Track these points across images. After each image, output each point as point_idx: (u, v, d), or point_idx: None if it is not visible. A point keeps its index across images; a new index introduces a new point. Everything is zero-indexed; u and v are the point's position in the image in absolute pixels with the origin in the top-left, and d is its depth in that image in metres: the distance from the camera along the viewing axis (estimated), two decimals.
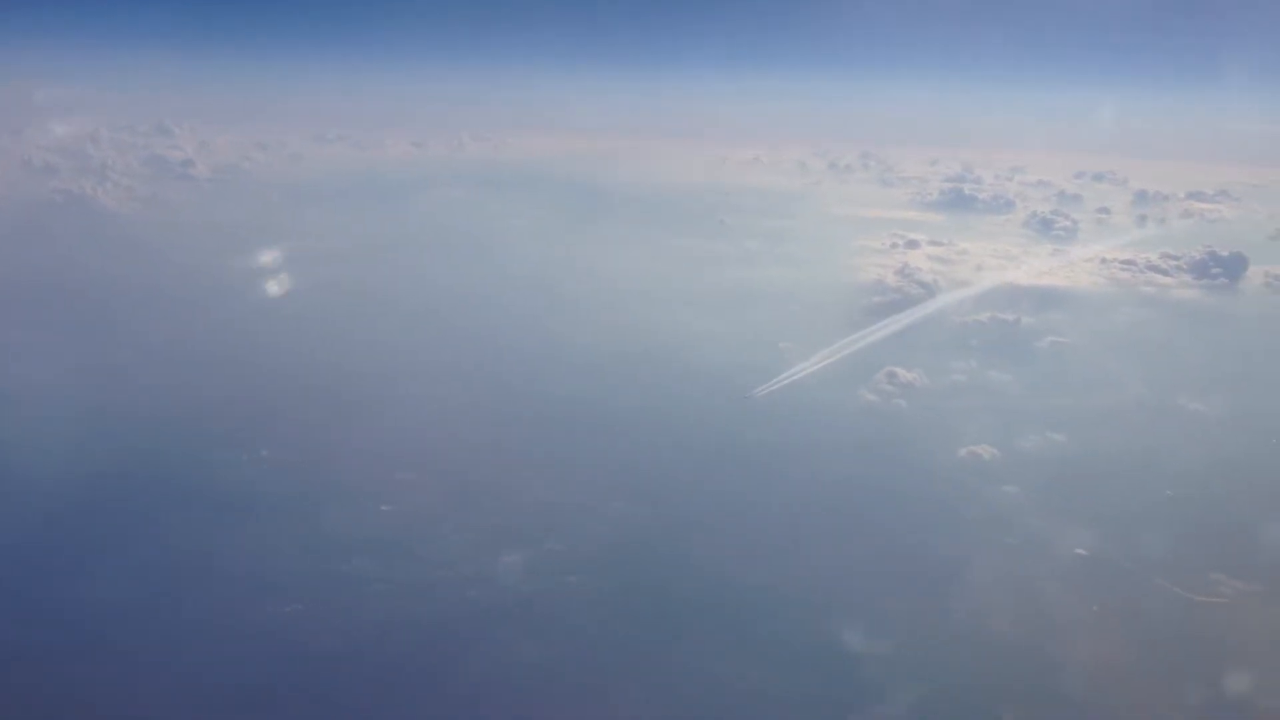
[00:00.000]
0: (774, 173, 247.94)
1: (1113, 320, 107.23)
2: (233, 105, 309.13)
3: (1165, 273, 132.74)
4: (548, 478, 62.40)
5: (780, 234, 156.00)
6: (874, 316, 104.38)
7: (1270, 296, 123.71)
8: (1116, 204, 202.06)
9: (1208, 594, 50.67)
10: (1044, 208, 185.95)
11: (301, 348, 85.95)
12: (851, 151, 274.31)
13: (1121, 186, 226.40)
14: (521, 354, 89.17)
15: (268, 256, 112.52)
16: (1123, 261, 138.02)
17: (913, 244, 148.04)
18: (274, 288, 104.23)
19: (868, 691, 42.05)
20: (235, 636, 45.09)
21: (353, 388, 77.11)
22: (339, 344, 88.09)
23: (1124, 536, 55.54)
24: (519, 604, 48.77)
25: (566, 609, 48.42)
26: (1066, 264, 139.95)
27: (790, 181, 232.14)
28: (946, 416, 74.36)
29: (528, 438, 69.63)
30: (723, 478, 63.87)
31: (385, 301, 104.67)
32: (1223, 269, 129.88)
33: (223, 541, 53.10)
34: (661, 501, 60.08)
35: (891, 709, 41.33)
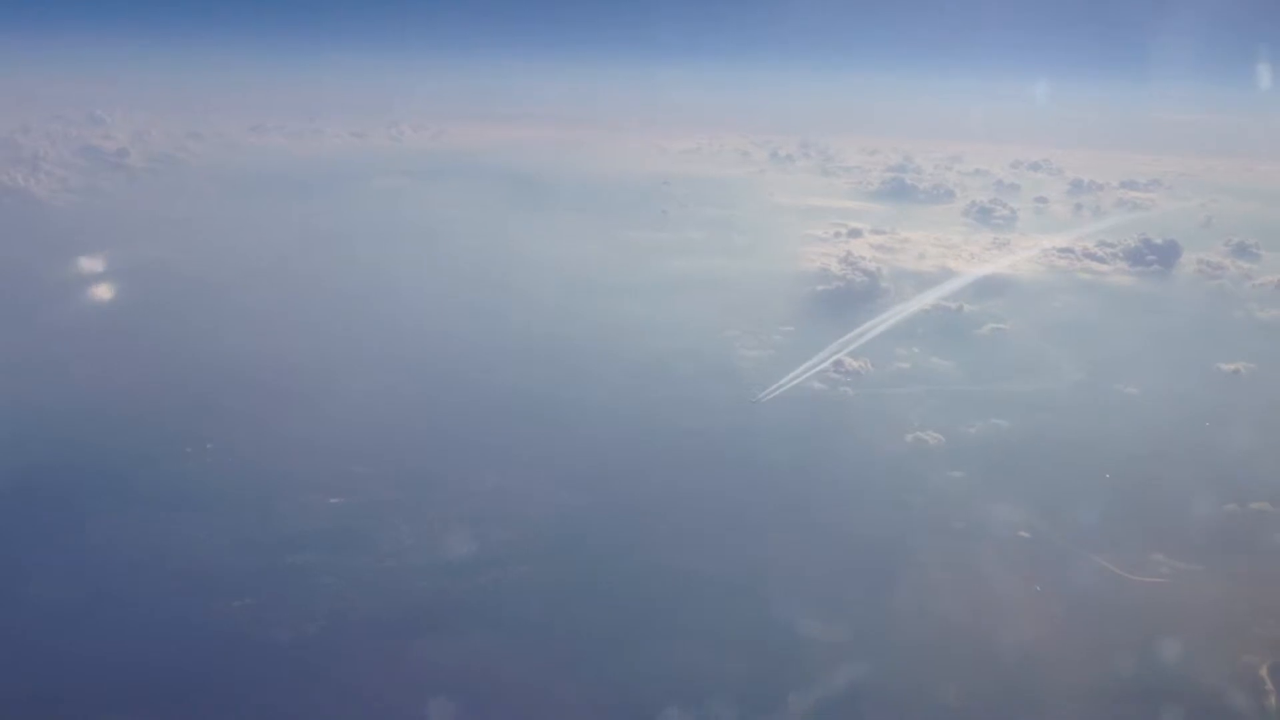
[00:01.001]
0: (715, 162, 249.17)
1: (1051, 307, 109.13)
2: (163, 95, 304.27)
3: (1102, 260, 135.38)
4: (497, 468, 62.05)
5: (723, 223, 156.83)
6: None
7: (1202, 283, 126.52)
8: (1053, 193, 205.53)
9: (1146, 574, 51.73)
10: (983, 197, 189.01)
11: (246, 340, 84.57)
12: (792, 141, 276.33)
13: (1057, 176, 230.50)
14: (466, 345, 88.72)
15: (209, 247, 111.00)
16: (1060, 249, 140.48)
17: (855, 233, 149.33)
18: (216, 279, 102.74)
19: (816, 675, 42.29)
20: (184, 632, 44.42)
21: (298, 380, 76.09)
22: (284, 336, 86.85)
23: (1065, 518, 56.59)
24: (471, 594, 48.51)
25: (518, 599, 48.20)
26: (1007, 252, 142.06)
27: (732, 171, 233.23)
28: (892, 403, 75.23)
29: (475, 428, 69.40)
30: (670, 466, 63.95)
31: (329, 293, 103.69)
32: (1157, 256, 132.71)
33: (169, 536, 52.20)
34: (610, 491, 60.07)
35: (838, 691, 41.62)
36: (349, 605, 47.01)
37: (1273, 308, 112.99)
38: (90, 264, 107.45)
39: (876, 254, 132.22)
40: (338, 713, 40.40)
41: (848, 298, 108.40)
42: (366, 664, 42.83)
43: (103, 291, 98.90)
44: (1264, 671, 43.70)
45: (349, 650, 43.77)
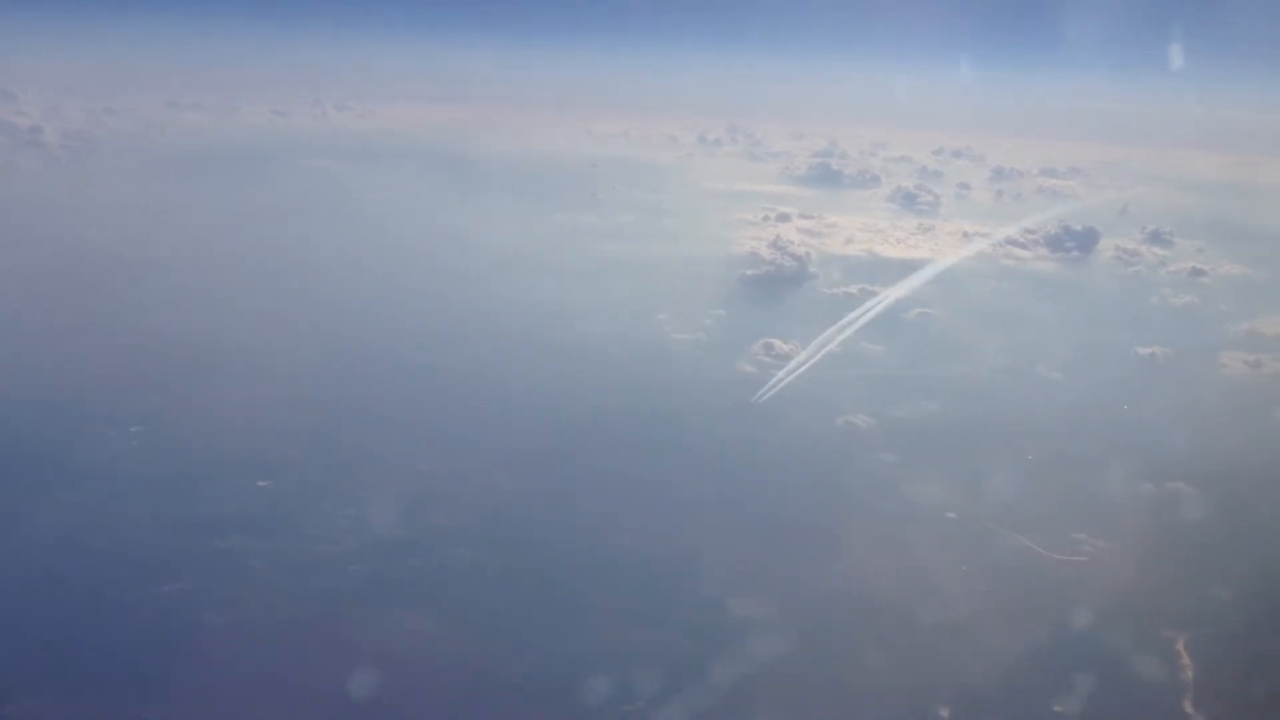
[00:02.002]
0: (643, 146, 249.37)
1: (975, 292, 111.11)
2: (74, 69, 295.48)
3: (1023, 246, 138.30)
4: (429, 451, 61.77)
5: (653, 207, 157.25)
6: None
7: (1119, 269, 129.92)
8: (975, 180, 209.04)
9: (1069, 553, 53.10)
10: (907, 183, 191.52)
11: (171, 322, 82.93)
12: (719, 126, 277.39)
13: (979, 163, 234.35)
14: (395, 326, 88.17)
15: (132, 227, 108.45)
16: (983, 235, 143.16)
17: (784, 217, 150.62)
18: (140, 259, 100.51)
19: (741, 650, 42.71)
20: (113, 617, 43.78)
21: (223, 362, 74.94)
22: (210, 318, 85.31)
23: (991, 500, 57.63)
24: (405, 577, 48.32)
25: (452, 581, 48.09)
26: (931, 237, 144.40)
27: (660, 155, 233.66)
28: (823, 386, 76.11)
29: (406, 410, 68.90)
30: (602, 448, 64.10)
31: (256, 274, 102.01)
32: (1076, 243, 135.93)
33: (94, 521, 51.11)
34: (544, 473, 60.09)
35: (767, 669, 42.12)
36: (281, 589, 46.44)
37: (1186, 293, 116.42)
38: (10, 244, 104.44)
39: (805, 238, 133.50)
40: (272, 696, 39.80)
41: (777, 282, 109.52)
42: (300, 647, 42.41)
43: (22, 272, 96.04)
44: (1180, 646, 45.09)
45: (282, 634, 43.28)
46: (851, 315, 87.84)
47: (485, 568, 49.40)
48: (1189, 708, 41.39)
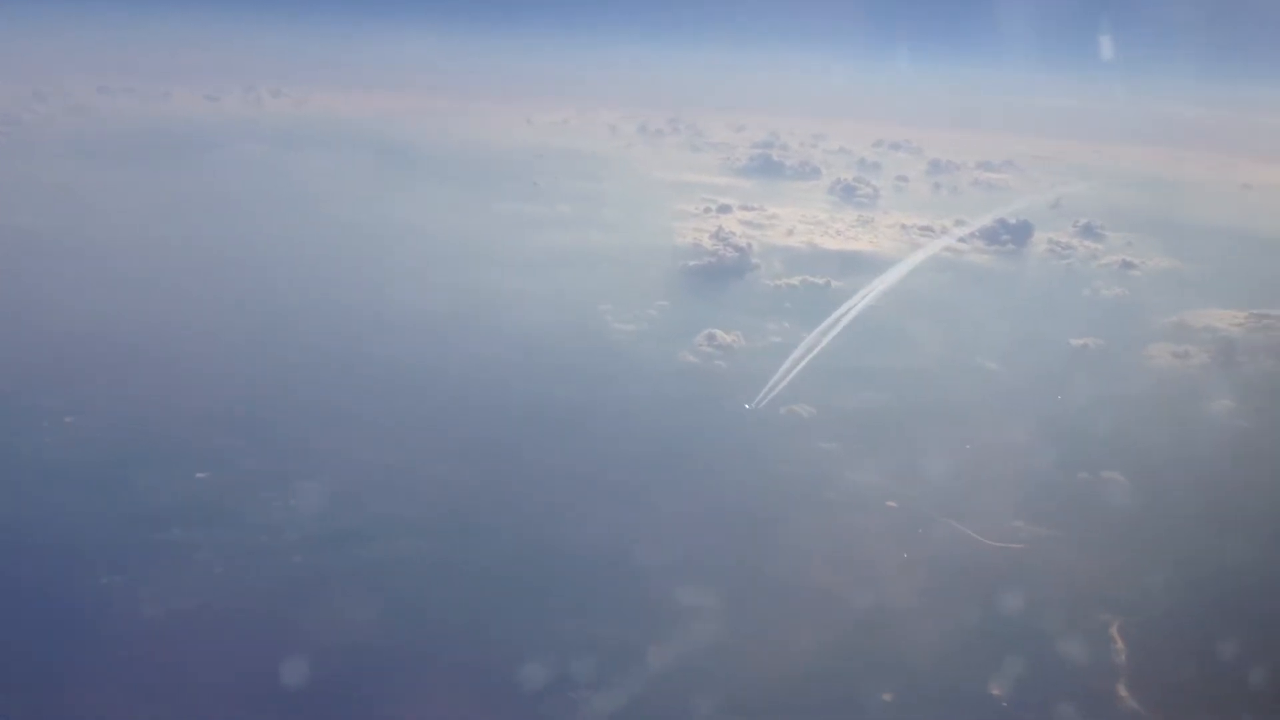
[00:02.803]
0: (584, 136, 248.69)
1: (913, 284, 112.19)
2: (2, 54, 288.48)
3: (960, 239, 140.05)
4: (370, 441, 61.50)
5: (595, 197, 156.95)
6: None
7: (1053, 261, 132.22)
8: (913, 172, 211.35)
9: (1007, 540, 54.19)
10: (847, 175, 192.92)
11: (102, 310, 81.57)
12: (660, 116, 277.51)
13: (917, 155, 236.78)
14: (335, 317, 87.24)
15: (65, 214, 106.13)
16: (921, 227, 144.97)
17: (725, 208, 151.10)
18: (74, 247, 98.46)
19: (690, 639, 43.15)
20: (52, 609, 43.10)
21: (157, 352, 74.15)
22: (145, 307, 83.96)
23: (931, 488, 58.66)
24: (348, 567, 48.08)
25: (398, 572, 47.91)
26: (870, 229, 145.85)
27: (601, 145, 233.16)
28: (766, 377, 76.59)
29: (346, 400, 68.24)
30: (546, 438, 64.20)
31: (193, 263, 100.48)
32: (1011, 236, 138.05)
33: (30, 513, 50.48)
34: (489, 463, 60.07)
35: (710, 655, 42.63)
36: (222, 580, 46.09)
37: (1116, 286, 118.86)
38: None
39: (746, 230, 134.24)
40: (213, 687, 39.52)
41: (719, 273, 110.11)
42: (241, 638, 42.14)
43: None
44: (1114, 630, 46.31)
45: (223, 625, 42.96)
46: (837, 312, 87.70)
47: (430, 557, 49.33)
48: (1123, 690, 42.49)
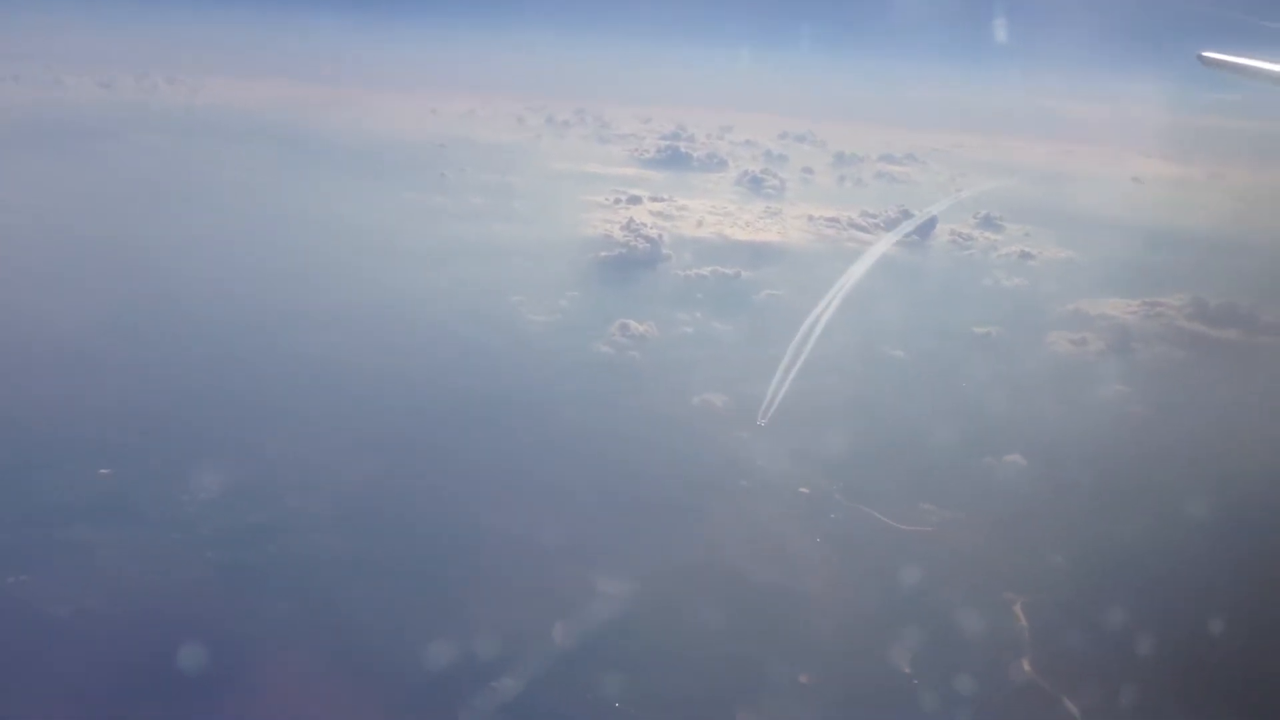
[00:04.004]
0: (490, 126, 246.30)
1: (821, 274, 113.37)
2: None
3: (865, 230, 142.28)
4: (282, 435, 60.72)
5: (503, 189, 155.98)
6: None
7: (955, 252, 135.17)
8: (818, 164, 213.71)
9: (916, 523, 55.67)
10: (754, 166, 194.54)
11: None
12: (567, 107, 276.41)
13: (821, 148, 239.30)
14: (239, 310, 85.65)
15: None
16: (828, 219, 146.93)
17: (635, 200, 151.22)
18: None
19: (605, 627, 43.62)
20: None
21: (54, 347, 72.19)
22: (43, 299, 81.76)
23: (842, 474, 59.88)
24: (263, 563, 47.56)
25: (313, 568, 47.54)
26: (778, 220, 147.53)
27: (507, 135, 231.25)
28: (679, 366, 77.49)
29: (253, 396, 67.51)
30: (463, 431, 64.18)
31: (90, 256, 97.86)
32: (915, 228, 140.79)
33: None
34: (401, 457, 59.75)
35: (628, 643, 43.21)
36: (132, 578, 45.26)
37: (1016, 276, 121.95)
38: None
39: (656, 221, 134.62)
40: (124, 688, 38.88)
41: (631, 264, 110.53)
42: (154, 637, 41.32)
43: None
44: (1018, 608, 47.96)
45: (134, 623, 42.24)
46: (812, 317, 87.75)
47: (345, 552, 48.97)
48: (1027, 666, 44.04)
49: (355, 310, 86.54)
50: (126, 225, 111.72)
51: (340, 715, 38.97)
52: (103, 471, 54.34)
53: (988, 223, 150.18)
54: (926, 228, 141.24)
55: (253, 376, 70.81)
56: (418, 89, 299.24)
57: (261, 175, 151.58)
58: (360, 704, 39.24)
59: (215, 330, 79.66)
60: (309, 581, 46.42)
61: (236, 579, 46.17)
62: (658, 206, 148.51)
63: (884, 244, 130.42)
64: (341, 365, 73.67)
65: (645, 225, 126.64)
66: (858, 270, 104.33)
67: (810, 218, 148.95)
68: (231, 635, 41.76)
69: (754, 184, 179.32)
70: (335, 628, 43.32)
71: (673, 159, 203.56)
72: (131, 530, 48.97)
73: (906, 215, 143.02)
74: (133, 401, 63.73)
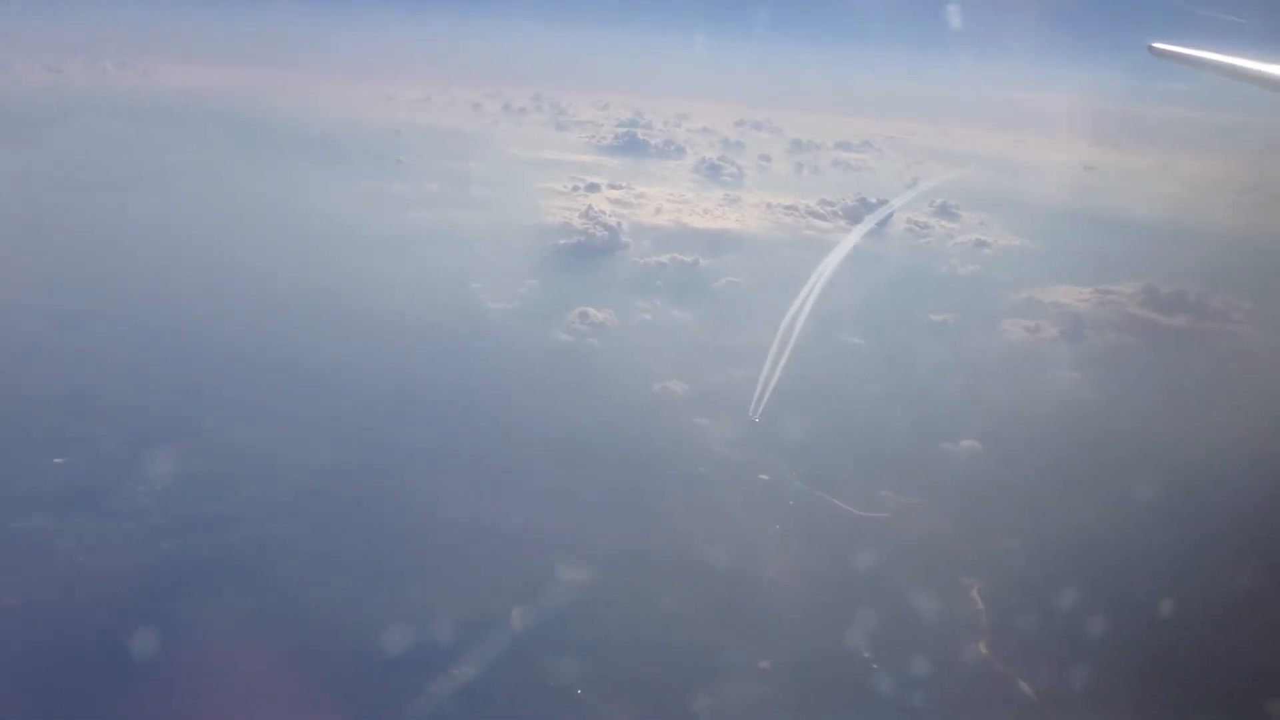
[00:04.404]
0: (447, 113, 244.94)
1: (779, 261, 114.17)
2: None
3: (823, 218, 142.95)
4: (239, 424, 60.29)
5: (461, 175, 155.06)
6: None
7: (912, 240, 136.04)
8: (775, 151, 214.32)
9: (875, 509, 56.20)
10: (711, 154, 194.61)
11: None
12: (524, 94, 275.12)
13: (778, 135, 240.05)
14: (199, 297, 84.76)
15: None
16: (785, 206, 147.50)
17: (593, 187, 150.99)
18: None
19: (567, 615, 43.88)
20: None
21: (6, 335, 71.09)
22: None
23: (801, 461, 60.36)
24: (220, 553, 47.17)
25: (269, 557, 47.30)
26: (736, 208, 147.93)
27: (464, 122, 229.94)
28: (638, 354, 77.64)
29: (213, 383, 66.87)
30: (422, 419, 63.91)
31: (40, 242, 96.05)
32: (885, 216, 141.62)
33: None
34: (360, 446, 59.50)
35: (589, 630, 43.40)
36: (86, 569, 44.83)
37: (971, 264, 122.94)
38: None
39: (615, 208, 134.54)
40: (77, 679, 38.51)
41: (590, 251, 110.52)
42: (108, 627, 41.01)
43: None
44: (975, 592, 48.62)
45: (88, 614, 41.84)
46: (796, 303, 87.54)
47: (302, 541, 48.79)
48: (984, 648, 44.69)
49: (312, 298, 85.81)
50: (77, 212, 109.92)
51: (298, 704, 38.69)
52: (57, 460, 53.84)
53: (944, 211, 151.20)
54: (884, 216, 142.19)
55: (208, 365, 70.18)
56: (372, 75, 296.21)
57: (215, 161, 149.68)
58: (318, 693, 39.03)
59: (169, 318, 78.75)
60: (266, 571, 46.14)
61: (192, 569, 45.74)
62: (616, 194, 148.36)
63: (857, 234, 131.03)
64: (299, 353, 73.22)
65: (604, 213, 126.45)
66: (833, 260, 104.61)
67: (768, 205, 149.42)
68: (187, 625, 41.46)
69: (712, 171, 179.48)
70: (293, 617, 43.15)
71: (630, 146, 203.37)
72: (85, 520, 48.48)
73: (864, 203, 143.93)
74: (87, 390, 62.99)
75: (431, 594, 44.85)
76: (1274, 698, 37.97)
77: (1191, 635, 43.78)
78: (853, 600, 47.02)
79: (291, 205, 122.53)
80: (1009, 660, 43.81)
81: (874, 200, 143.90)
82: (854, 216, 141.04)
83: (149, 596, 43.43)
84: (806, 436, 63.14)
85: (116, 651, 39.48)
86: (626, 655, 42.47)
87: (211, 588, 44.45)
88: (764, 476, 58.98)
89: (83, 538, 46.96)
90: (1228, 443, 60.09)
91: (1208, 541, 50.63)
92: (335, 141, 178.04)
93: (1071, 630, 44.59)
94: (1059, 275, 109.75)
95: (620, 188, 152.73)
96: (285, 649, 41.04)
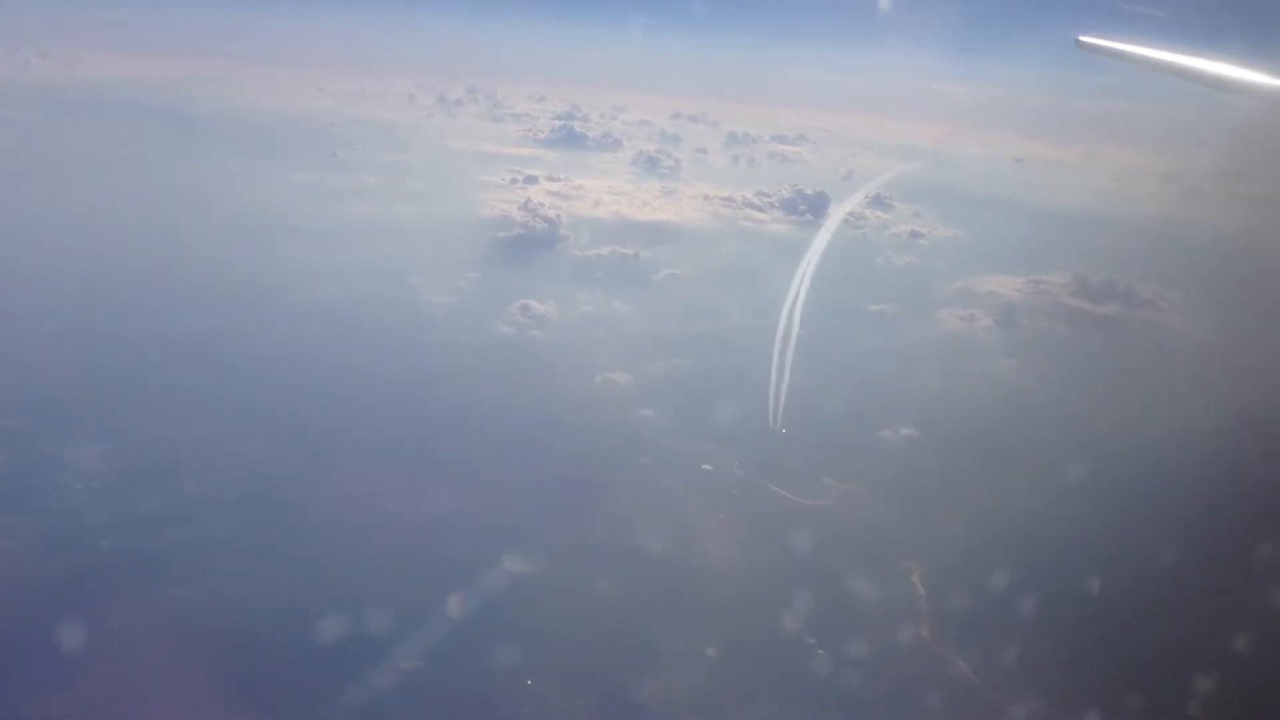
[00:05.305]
0: (381, 105, 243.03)
1: (718, 253, 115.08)
2: None
3: (760, 209, 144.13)
4: (175, 417, 59.34)
5: (397, 168, 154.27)
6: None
7: (848, 231, 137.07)
8: (712, 144, 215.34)
9: (817, 497, 56.89)
10: (649, 146, 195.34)
11: None
12: (459, 85, 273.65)
13: (714, 128, 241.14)
14: (135, 290, 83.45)
15: None
16: (723, 198, 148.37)
17: (531, 180, 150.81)
18: None
19: (513, 606, 43.80)
20: None
21: None
22: None
23: (744, 450, 60.90)
24: (160, 551, 46.49)
25: (213, 553, 46.71)
26: (675, 200, 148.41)
27: (399, 114, 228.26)
28: (580, 346, 77.77)
29: (149, 377, 65.85)
30: (363, 413, 63.55)
31: None
32: (808, 206, 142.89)
33: None
34: (300, 440, 58.83)
35: (534, 621, 43.29)
36: (19, 568, 43.98)
37: (907, 254, 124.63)
38: None
39: (554, 201, 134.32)
40: (17, 679, 37.75)
41: (529, 244, 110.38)
42: (44, 627, 39.77)
43: None
44: (916, 577, 49.43)
45: (24, 617, 40.83)
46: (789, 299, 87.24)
47: (245, 537, 48.25)
48: (925, 632, 45.49)
49: (248, 291, 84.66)
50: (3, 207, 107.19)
51: (241, 699, 38.27)
52: None
53: (878, 202, 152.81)
54: (821, 207, 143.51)
55: (143, 359, 68.99)
56: (305, 66, 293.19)
57: (144, 153, 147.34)
58: (263, 687, 38.71)
59: (101, 312, 77.25)
60: (206, 567, 45.56)
61: (131, 567, 45.08)
62: (554, 186, 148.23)
63: (828, 229, 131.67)
64: (236, 347, 72.28)
65: (543, 205, 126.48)
66: (814, 257, 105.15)
67: (706, 197, 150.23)
68: (126, 623, 40.74)
69: (649, 164, 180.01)
70: (234, 612, 42.57)
71: (567, 139, 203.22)
72: (18, 519, 47.67)
73: (800, 194, 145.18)
74: (17, 385, 61.54)
75: (375, 587, 44.53)
76: (1202, 673, 39.11)
77: (1123, 614, 44.92)
78: (797, 587, 47.39)
79: (225, 198, 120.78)
80: (948, 643, 44.57)
81: (809, 192, 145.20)
82: (790, 208, 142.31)
83: (86, 596, 42.50)
84: (748, 426, 63.64)
85: (55, 651, 38.58)
86: (571, 645, 42.45)
87: (152, 584, 43.81)
88: (707, 466, 59.35)
89: (16, 538, 46.09)
90: (1158, 427, 61.46)
91: (1137, 522, 51.92)
92: (268, 134, 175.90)
93: (1009, 612, 45.42)
94: (992, 265, 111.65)
95: (558, 180, 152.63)
96: (228, 644, 40.56)
